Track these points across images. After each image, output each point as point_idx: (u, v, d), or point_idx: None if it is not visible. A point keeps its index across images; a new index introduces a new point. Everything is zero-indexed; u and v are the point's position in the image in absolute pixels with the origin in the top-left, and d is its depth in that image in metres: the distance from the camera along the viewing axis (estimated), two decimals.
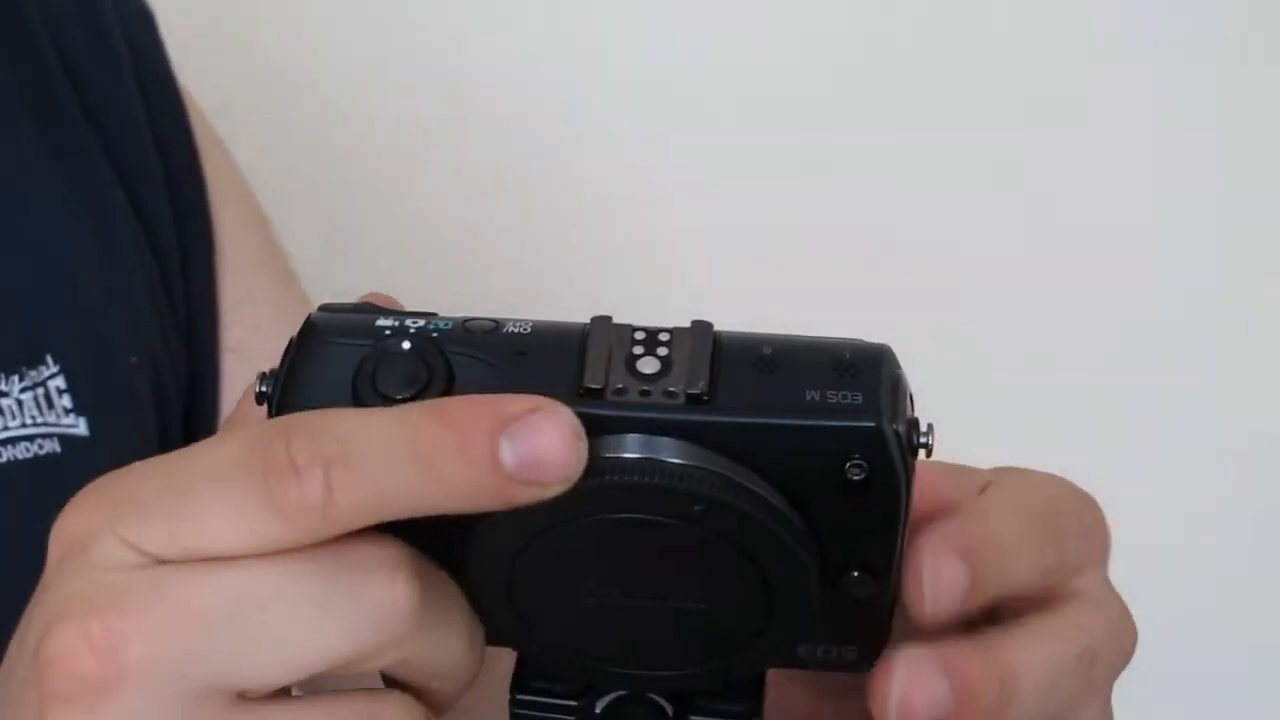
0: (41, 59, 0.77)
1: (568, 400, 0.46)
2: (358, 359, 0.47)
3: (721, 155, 1.25)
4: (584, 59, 1.24)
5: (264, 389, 0.48)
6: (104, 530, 0.47)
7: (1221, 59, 1.24)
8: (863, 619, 0.50)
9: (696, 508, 0.46)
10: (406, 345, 0.47)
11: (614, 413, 0.47)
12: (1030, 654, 0.50)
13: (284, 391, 0.48)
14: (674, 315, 0.49)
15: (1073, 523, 0.53)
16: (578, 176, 1.25)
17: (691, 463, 0.47)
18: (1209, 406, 1.27)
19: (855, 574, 0.49)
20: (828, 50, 1.24)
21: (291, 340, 0.48)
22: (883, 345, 0.48)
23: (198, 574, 0.46)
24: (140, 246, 0.78)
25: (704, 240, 1.26)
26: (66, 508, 0.48)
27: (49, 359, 0.73)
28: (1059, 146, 1.25)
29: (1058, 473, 0.55)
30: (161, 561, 0.46)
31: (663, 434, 0.47)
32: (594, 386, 0.47)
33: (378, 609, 0.46)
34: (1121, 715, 1.33)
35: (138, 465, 0.48)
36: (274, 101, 1.20)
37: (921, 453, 0.48)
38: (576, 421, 0.45)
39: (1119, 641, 0.53)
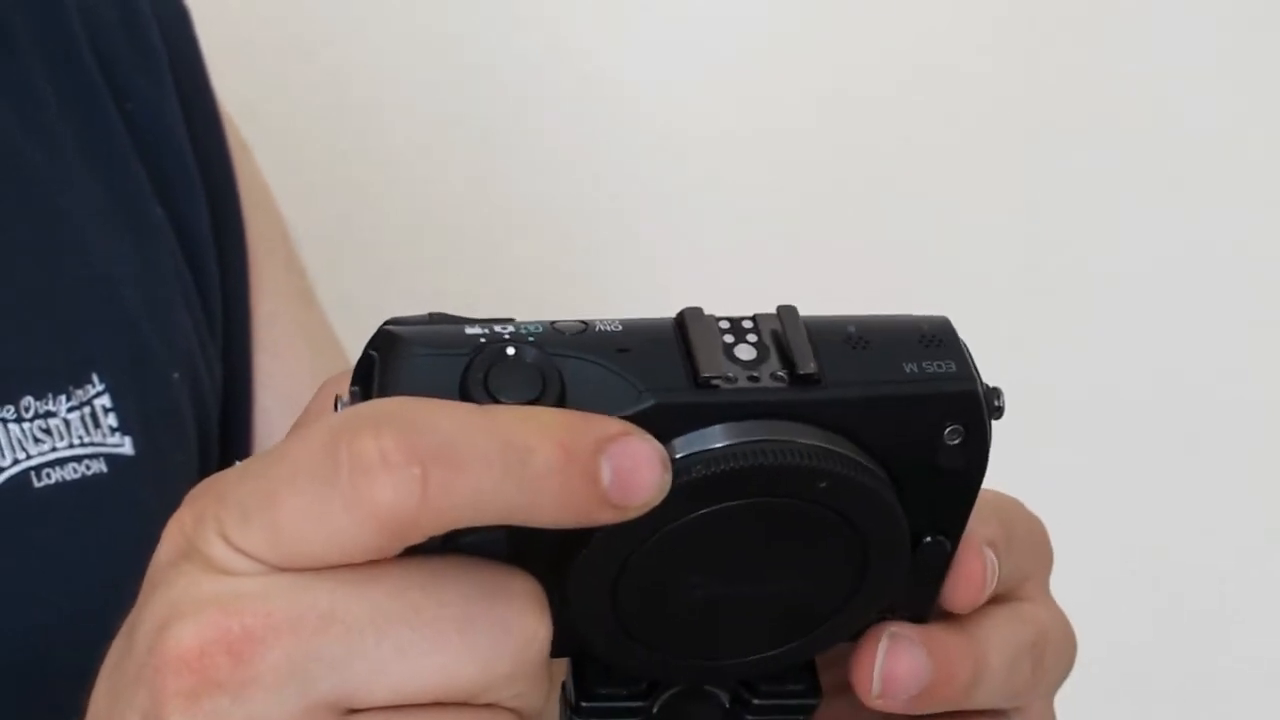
0: (83, 66, 0.76)
1: (685, 392, 0.47)
2: (458, 369, 0.46)
3: (722, 155, 1.26)
4: (586, 59, 1.24)
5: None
6: (214, 533, 0.45)
7: (1222, 54, 1.24)
8: (922, 585, 0.51)
9: (821, 484, 0.47)
10: (512, 351, 0.46)
11: (731, 399, 0.47)
12: (996, 636, 0.53)
13: None
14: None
15: (1024, 536, 0.55)
16: (578, 177, 1.26)
17: (815, 442, 0.47)
18: (1209, 406, 1.28)
19: (929, 539, 0.50)
20: (829, 49, 1.25)
21: (368, 356, 0.47)
22: (944, 316, 0.50)
23: (339, 585, 0.45)
24: (177, 260, 0.77)
25: (704, 240, 1.26)
26: (182, 505, 0.47)
27: (95, 377, 0.71)
28: (1060, 147, 1.25)
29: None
30: (280, 569, 0.45)
31: (777, 416, 0.47)
32: (709, 376, 0.47)
33: (519, 643, 0.46)
34: (1124, 714, 1.33)
35: (242, 465, 0.46)
36: (273, 103, 1.20)
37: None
38: (664, 451, 0.45)
39: (1064, 644, 0.55)
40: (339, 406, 0.47)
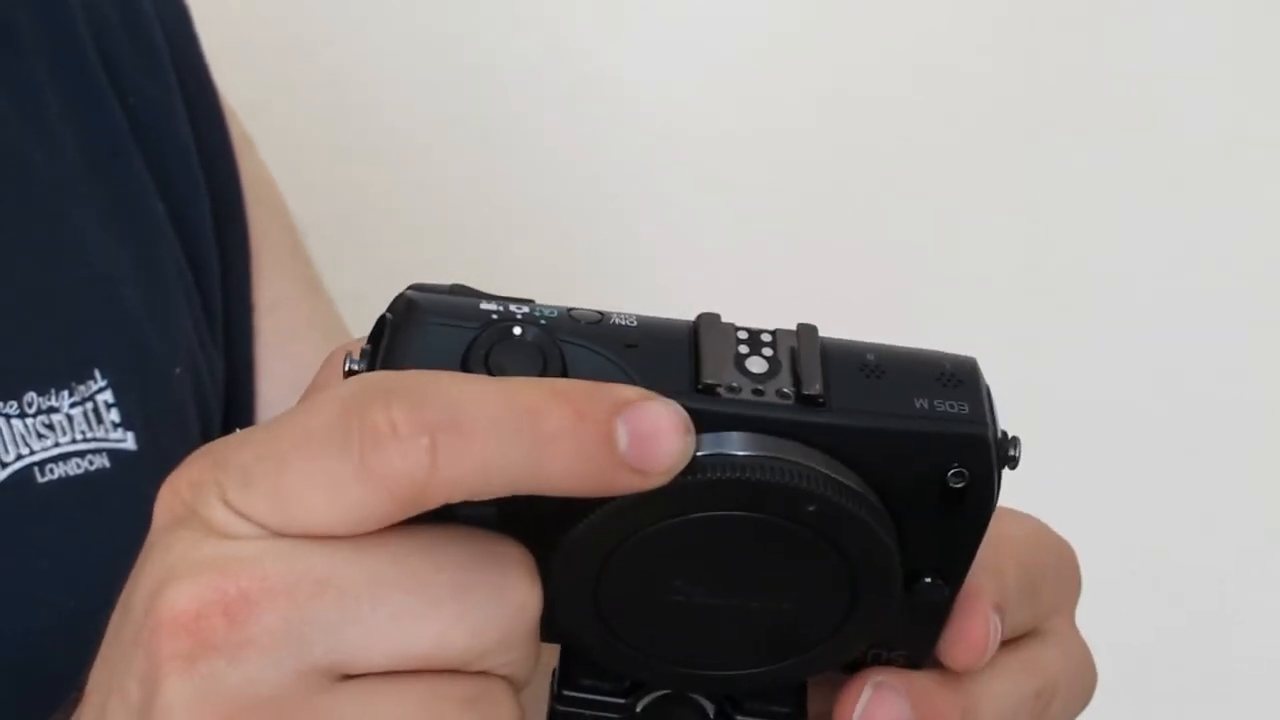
0: (87, 66, 0.76)
1: (685, 396, 0.46)
2: (465, 342, 0.46)
3: (722, 155, 1.26)
4: (586, 59, 1.24)
5: (356, 367, 0.47)
6: (214, 497, 0.45)
7: (1222, 54, 1.24)
8: (921, 624, 0.51)
9: (810, 508, 0.46)
10: (518, 331, 0.46)
11: (731, 410, 0.47)
12: (993, 688, 0.52)
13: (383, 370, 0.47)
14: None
15: (1049, 572, 0.54)
16: (578, 177, 1.26)
17: (809, 463, 0.47)
18: (1210, 406, 1.28)
19: (928, 580, 0.49)
20: (829, 49, 1.25)
21: (383, 319, 0.47)
22: (972, 357, 0.49)
23: (336, 550, 0.45)
24: (178, 257, 0.77)
25: (704, 240, 1.26)
26: (178, 469, 0.47)
27: (96, 373, 0.71)
28: (1060, 147, 1.26)
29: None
30: (280, 534, 0.45)
31: (777, 434, 0.47)
32: (711, 383, 0.47)
33: (512, 611, 0.46)
34: (1124, 714, 1.34)
35: (243, 432, 0.46)
36: (273, 103, 1.20)
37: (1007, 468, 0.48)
38: (686, 415, 0.45)
39: (1079, 682, 0.54)
40: (348, 363, 0.47)
